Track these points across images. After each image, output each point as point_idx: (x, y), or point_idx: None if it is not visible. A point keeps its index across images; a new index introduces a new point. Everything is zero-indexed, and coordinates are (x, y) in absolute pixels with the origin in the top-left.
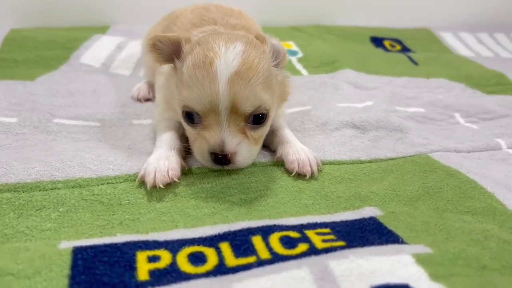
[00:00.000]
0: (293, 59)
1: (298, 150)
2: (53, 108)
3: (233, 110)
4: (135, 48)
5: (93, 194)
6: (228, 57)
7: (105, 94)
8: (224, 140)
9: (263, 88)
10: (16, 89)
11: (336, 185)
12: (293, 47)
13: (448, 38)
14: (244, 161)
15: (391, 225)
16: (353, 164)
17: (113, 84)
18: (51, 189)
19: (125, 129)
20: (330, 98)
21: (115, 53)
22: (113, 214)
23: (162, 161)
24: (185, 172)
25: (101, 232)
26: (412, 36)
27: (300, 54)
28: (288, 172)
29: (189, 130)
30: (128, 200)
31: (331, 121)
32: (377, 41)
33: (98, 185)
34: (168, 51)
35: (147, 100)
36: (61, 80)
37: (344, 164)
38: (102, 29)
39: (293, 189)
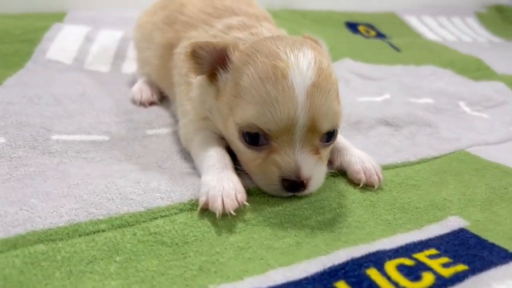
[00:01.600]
0: None
1: (360, 157)
2: (45, 120)
3: (311, 128)
4: (108, 39)
5: (150, 233)
6: (302, 67)
7: (97, 97)
8: (300, 165)
9: (337, 98)
10: None
11: (405, 193)
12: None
13: (413, 22)
14: (317, 185)
15: (487, 236)
16: (405, 166)
17: (97, 83)
18: (94, 233)
19: (141, 142)
20: (346, 92)
21: (86, 46)
22: (185, 258)
23: (226, 182)
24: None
25: (187, 286)
26: (381, 21)
27: None
28: (352, 182)
29: (248, 154)
30: (195, 236)
31: (363, 119)
32: (353, 27)
33: (150, 221)
34: (210, 60)
35: (152, 103)
36: (34, 82)
37: (397, 167)
38: (58, 17)
39: (365, 203)
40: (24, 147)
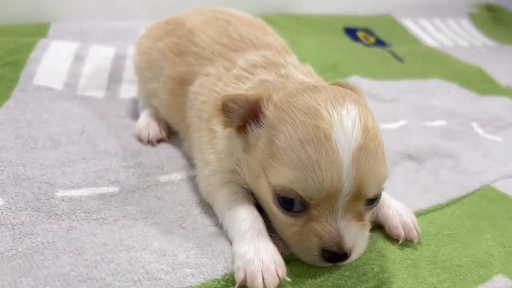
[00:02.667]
0: None
1: (398, 210)
2: (46, 171)
3: (356, 195)
4: (100, 57)
5: None
6: (347, 127)
7: (98, 134)
8: (343, 234)
9: (383, 159)
10: None
11: (443, 247)
12: None
13: (410, 26)
14: (360, 252)
15: None
16: (435, 211)
17: (95, 115)
18: None
19: (155, 193)
20: None
21: (77, 67)
22: None
23: (264, 254)
24: None
25: None
26: (379, 25)
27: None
28: (389, 236)
29: (283, 218)
30: None
31: (387, 153)
32: (351, 33)
33: None
34: (242, 113)
35: (160, 140)
36: (25, 117)
37: (429, 212)
38: (42, 29)
39: (406, 263)
40: (27, 209)
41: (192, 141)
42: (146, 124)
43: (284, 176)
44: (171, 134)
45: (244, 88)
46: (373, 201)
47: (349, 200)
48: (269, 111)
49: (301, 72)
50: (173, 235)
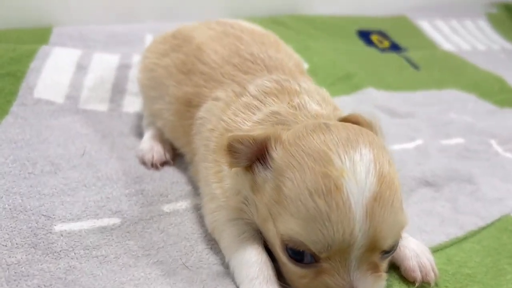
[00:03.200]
0: None
1: (415, 250)
2: (44, 202)
3: (370, 247)
4: (103, 67)
5: None
6: (360, 175)
7: (100, 156)
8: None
9: (401, 206)
10: None
11: None
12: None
13: (426, 28)
14: None
15: None
16: (452, 245)
17: (97, 133)
18: None
19: (158, 225)
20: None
21: (79, 77)
22: None
23: None
24: None
25: None
26: (394, 27)
27: (305, 65)
28: (405, 278)
29: (293, 268)
30: None
31: (402, 179)
32: (365, 36)
33: None
34: (249, 153)
35: (164, 163)
36: (24, 136)
37: (447, 247)
38: (44, 34)
39: None
40: (23, 246)
41: (198, 169)
42: (150, 146)
43: (292, 227)
44: (176, 156)
45: (254, 120)
46: (390, 251)
47: (363, 252)
48: (276, 153)
49: (315, 101)
50: (177, 276)
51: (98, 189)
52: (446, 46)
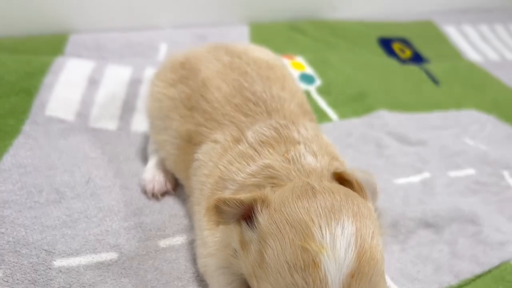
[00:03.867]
0: (311, 90)
1: None
2: (46, 235)
3: None
4: (115, 81)
5: None
6: (339, 252)
7: (104, 184)
8: None
9: (382, 279)
10: None
11: None
12: (306, 68)
13: (453, 34)
14: None
15: None
16: None
17: (104, 155)
18: None
19: (153, 262)
20: (378, 166)
21: (91, 93)
22: None
23: None
24: None
25: None
26: (418, 33)
27: (318, 82)
28: None
29: None
30: None
31: (401, 220)
32: (386, 44)
33: None
34: (235, 213)
35: (165, 193)
36: (33, 160)
37: None
38: (59, 42)
39: None
40: (23, 282)
41: (193, 211)
42: (152, 176)
43: None
44: (177, 185)
45: (248, 171)
46: None
47: None
48: (262, 218)
49: (311, 151)
50: None
51: (99, 220)
52: (472, 55)
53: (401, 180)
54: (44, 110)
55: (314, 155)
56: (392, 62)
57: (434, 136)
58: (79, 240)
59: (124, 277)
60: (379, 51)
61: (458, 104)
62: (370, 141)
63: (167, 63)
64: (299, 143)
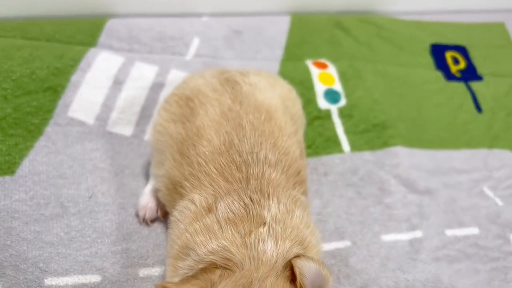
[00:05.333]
0: (333, 110)
1: None
2: (43, 251)
3: None
4: (138, 83)
5: None
6: None
7: (104, 200)
8: None
9: None
10: None
11: None
12: (335, 82)
13: None
14: None
15: None
16: None
17: (112, 167)
18: None
19: None
20: (372, 215)
21: (113, 96)
22: None
23: None
24: None
25: None
26: (479, 40)
27: (343, 102)
28: None
29: None
30: None
31: (371, 286)
32: (438, 53)
33: None
34: None
35: (155, 219)
36: (48, 168)
37: None
38: (96, 28)
39: None
40: None
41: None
42: (145, 202)
43: None
44: (168, 213)
45: (208, 248)
46: None
47: None
48: None
49: (274, 235)
50: None
51: (91, 241)
52: None
53: (389, 237)
54: (67, 110)
55: (276, 239)
56: (437, 76)
57: (448, 183)
58: (70, 260)
59: None
60: (428, 61)
61: (493, 140)
62: (374, 183)
63: (176, 93)
64: (264, 224)
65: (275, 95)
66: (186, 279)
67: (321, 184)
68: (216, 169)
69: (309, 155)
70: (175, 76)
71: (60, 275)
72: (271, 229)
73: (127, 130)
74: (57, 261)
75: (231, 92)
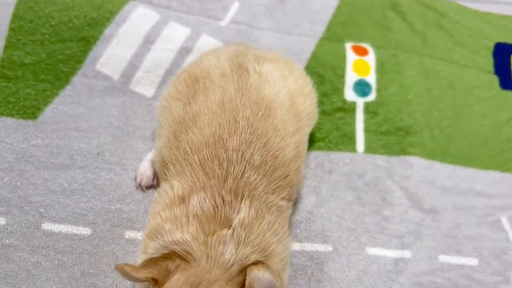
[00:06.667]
0: (359, 104)
1: None
2: (46, 197)
3: None
4: (167, 45)
5: None
6: None
7: (109, 159)
8: None
9: None
10: (12, 145)
11: None
12: (370, 72)
13: None
14: None
15: None
16: None
17: (125, 126)
18: None
19: (113, 248)
20: (364, 224)
21: (142, 53)
22: None
23: None
24: None
25: None
26: None
27: (372, 96)
28: None
29: None
30: None
31: None
32: (502, 55)
33: None
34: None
35: (151, 187)
36: (65, 118)
37: None
38: None
39: None
40: (16, 233)
41: None
42: (144, 169)
43: None
44: None
45: (173, 237)
46: None
47: None
48: None
49: (235, 239)
50: None
51: (90, 196)
52: None
53: (375, 250)
54: (96, 63)
55: (237, 244)
56: (492, 81)
57: (460, 205)
58: (68, 210)
59: (86, 253)
60: (487, 62)
61: None
62: (379, 191)
63: (187, 69)
64: (229, 227)
65: (283, 89)
66: (145, 264)
67: (322, 182)
68: (199, 160)
69: (319, 148)
70: (204, 43)
71: (56, 222)
72: (235, 233)
73: (148, 91)
74: (56, 209)
75: (237, 81)
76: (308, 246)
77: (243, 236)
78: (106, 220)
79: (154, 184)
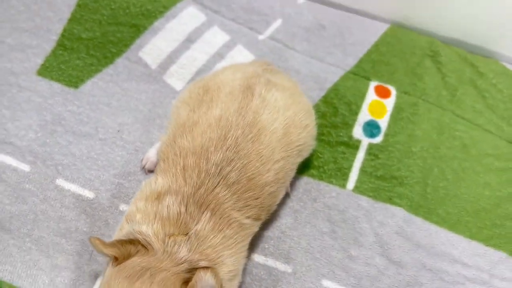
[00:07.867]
0: (364, 144)
1: None
2: (66, 158)
3: None
4: (205, 48)
5: None
6: None
7: (127, 138)
8: None
9: None
10: (52, 106)
11: None
12: (385, 116)
13: None
14: None
15: None
16: None
17: (149, 112)
18: None
19: (107, 215)
20: (329, 259)
21: (180, 50)
22: None
23: None
24: None
25: None
26: None
27: (379, 139)
28: None
29: None
30: None
31: None
32: None
33: None
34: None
35: (152, 171)
36: (100, 95)
37: None
38: None
39: None
40: (34, 182)
41: None
42: (150, 155)
43: None
44: None
45: (140, 228)
46: None
47: None
48: (108, 270)
49: (189, 246)
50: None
51: (101, 166)
52: None
53: (330, 284)
54: (140, 50)
55: (190, 250)
56: (511, 154)
57: (431, 267)
58: (80, 173)
59: (83, 214)
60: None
61: None
62: (354, 230)
63: (204, 79)
64: (186, 234)
65: (280, 117)
66: (113, 244)
67: (304, 207)
68: (183, 165)
69: (312, 175)
70: (238, 53)
71: (68, 181)
72: (189, 240)
73: (178, 84)
74: (71, 169)
75: (240, 101)
76: (271, 262)
77: (195, 245)
78: (108, 190)
79: (155, 170)
